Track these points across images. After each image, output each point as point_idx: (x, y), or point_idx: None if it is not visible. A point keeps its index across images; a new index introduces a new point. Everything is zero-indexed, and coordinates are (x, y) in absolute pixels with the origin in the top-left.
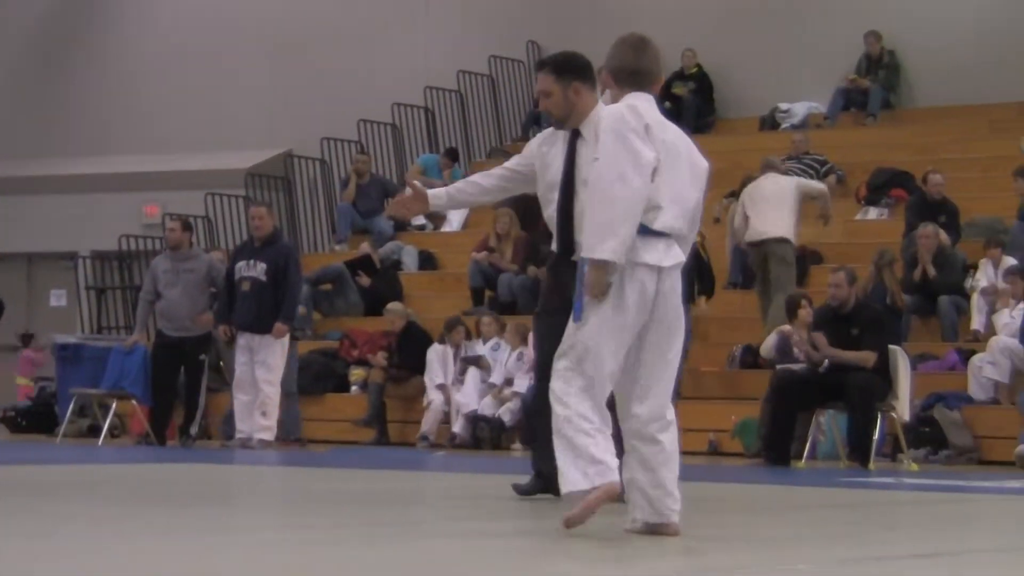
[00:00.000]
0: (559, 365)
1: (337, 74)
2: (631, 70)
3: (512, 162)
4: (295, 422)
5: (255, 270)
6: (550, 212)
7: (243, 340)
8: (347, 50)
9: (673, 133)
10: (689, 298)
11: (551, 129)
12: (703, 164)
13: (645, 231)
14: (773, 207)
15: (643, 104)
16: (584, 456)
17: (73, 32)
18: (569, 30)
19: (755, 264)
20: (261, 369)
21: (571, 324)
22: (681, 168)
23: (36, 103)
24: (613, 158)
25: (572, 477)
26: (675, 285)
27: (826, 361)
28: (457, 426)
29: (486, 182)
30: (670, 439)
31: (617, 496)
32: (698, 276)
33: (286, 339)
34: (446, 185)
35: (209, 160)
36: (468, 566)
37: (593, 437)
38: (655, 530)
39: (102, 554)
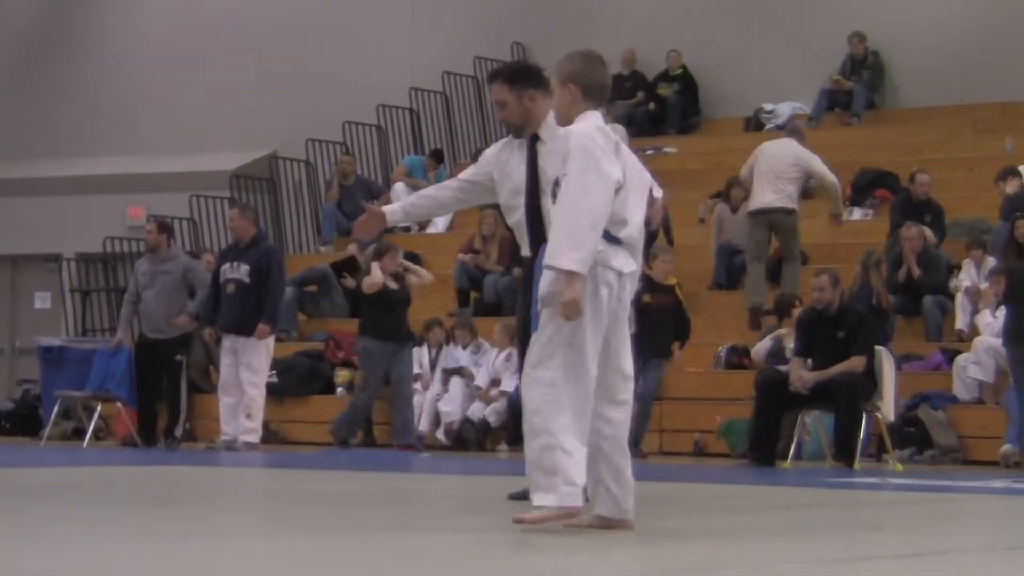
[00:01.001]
0: (541, 374)
1: (322, 75)
2: (601, 85)
3: (467, 173)
4: (408, 426)
5: (238, 272)
6: (516, 218)
7: (227, 342)
8: (332, 51)
9: (626, 150)
10: (666, 352)
11: (506, 139)
12: (647, 177)
13: (612, 239)
14: (774, 177)
15: (602, 124)
16: (562, 474)
17: (57, 34)
18: (554, 31)
19: (755, 233)
20: (245, 371)
21: (547, 334)
22: (635, 184)
23: (20, 105)
24: (580, 175)
25: (568, 491)
26: (630, 292)
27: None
28: (440, 433)
29: (442, 195)
30: (625, 433)
31: (574, 517)
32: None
33: (270, 340)
34: (433, 186)
35: (194, 162)
36: (446, 561)
37: (573, 456)
38: (612, 524)
39: (87, 556)
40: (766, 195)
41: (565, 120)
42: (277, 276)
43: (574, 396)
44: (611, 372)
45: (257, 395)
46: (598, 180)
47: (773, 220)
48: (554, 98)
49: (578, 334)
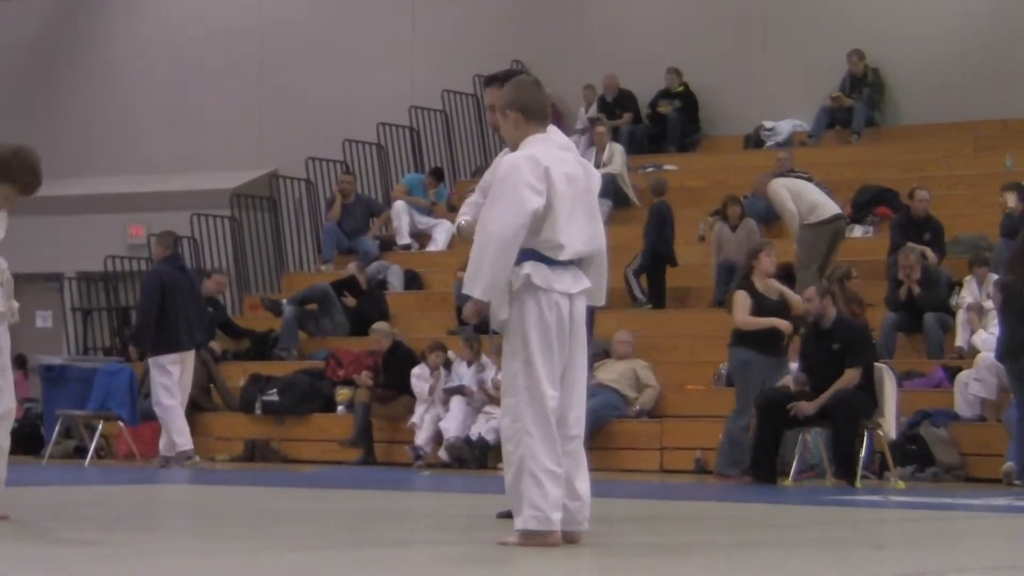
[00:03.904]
0: (508, 401)
1: (322, 94)
2: (539, 106)
3: (479, 189)
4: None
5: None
6: None
7: None
8: (332, 70)
9: (570, 165)
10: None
11: (500, 154)
12: (597, 176)
13: (553, 263)
14: (823, 190)
15: (541, 149)
16: (527, 499)
17: (58, 54)
18: (554, 50)
19: (818, 244)
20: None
21: (507, 362)
22: (579, 196)
23: (21, 124)
24: (497, 205)
25: (532, 515)
26: (583, 309)
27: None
28: (441, 452)
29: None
30: (580, 448)
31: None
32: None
33: (162, 359)
34: (431, 203)
35: (194, 181)
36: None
37: (538, 480)
38: (568, 538)
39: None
40: (830, 203)
41: (514, 146)
42: (142, 297)
43: (536, 420)
44: (565, 390)
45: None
46: (513, 214)
47: (839, 228)
48: (502, 127)
49: (529, 357)
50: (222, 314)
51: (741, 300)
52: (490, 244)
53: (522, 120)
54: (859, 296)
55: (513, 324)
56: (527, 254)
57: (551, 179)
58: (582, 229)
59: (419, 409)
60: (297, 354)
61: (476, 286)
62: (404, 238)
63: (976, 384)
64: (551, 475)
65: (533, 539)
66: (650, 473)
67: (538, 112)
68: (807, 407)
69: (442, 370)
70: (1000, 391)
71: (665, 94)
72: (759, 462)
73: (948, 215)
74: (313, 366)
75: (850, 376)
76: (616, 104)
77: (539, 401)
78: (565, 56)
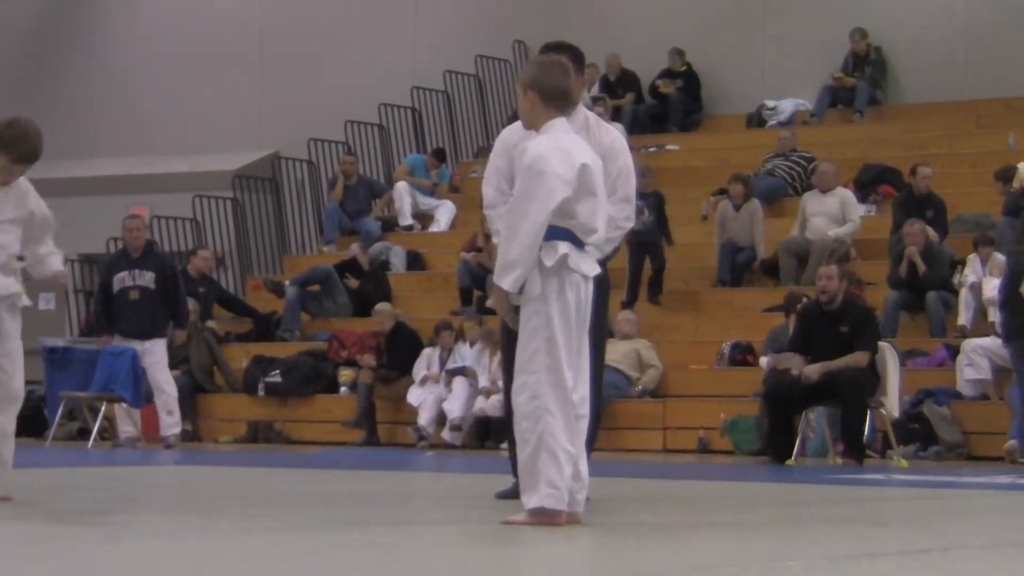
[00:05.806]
0: (526, 379)
1: (324, 75)
2: (560, 91)
3: (497, 177)
4: None
5: (143, 279)
6: None
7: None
8: (334, 51)
9: (589, 151)
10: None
11: (516, 126)
12: (599, 162)
13: (581, 245)
14: None
15: (566, 138)
16: (544, 478)
17: (60, 37)
18: (557, 30)
19: None
20: (162, 372)
21: (526, 339)
22: (599, 183)
23: (23, 106)
24: (526, 196)
25: (549, 493)
26: (591, 293)
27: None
28: (444, 433)
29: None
30: (584, 427)
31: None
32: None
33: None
34: (433, 184)
35: (196, 162)
36: (440, 560)
37: (557, 459)
38: (568, 519)
39: (90, 557)
40: None
41: (530, 126)
42: (178, 280)
43: (555, 399)
44: (582, 362)
45: (174, 391)
46: (542, 206)
47: None
48: (520, 104)
49: (552, 336)
50: (217, 290)
51: None
52: (520, 238)
53: (539, 103)
54: (857, 276)
55: (537, 303)
56: (561, 233)
57: (589, 173)
58: (603, 217)
59: (415, 390)
60: (300, 335)
61: (507, 278)
62: (406, 219)
63: (969, 369)
64: (568, 454)
65: (544, 518)
66: (653, 453)
67: (557, 98)
68: (813, 371)
69: (456, 348)
70: (995, 370)
71: (668, 73)
72: (777, 445)
73: (950, 193)
74: (316, 347)
75: (859, 358)
76: (619, 84)
77: (560, 381)
78: (567, 36)
